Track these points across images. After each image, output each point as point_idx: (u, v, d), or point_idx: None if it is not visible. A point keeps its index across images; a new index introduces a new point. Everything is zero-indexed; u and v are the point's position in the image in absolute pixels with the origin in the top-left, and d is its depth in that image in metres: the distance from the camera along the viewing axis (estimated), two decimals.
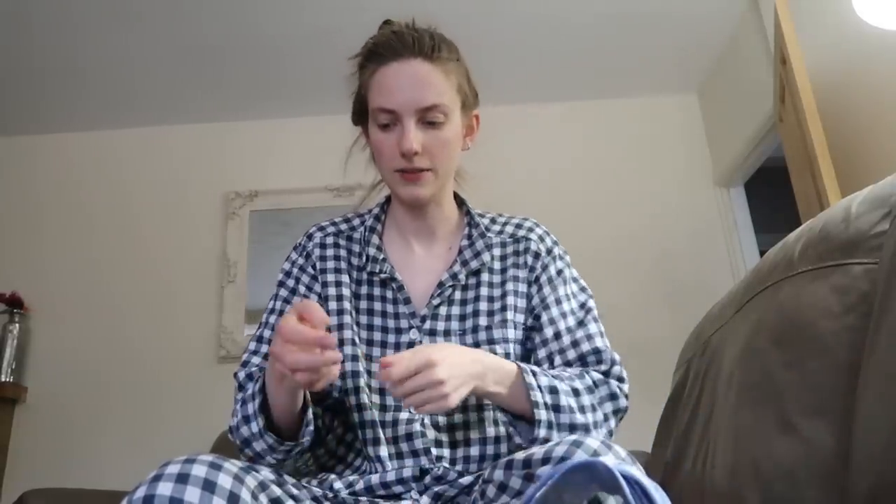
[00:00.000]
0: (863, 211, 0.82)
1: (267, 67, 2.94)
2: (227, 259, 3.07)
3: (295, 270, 1.10)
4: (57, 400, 2.87)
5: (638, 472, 0.60)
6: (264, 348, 1.04)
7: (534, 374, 0.92)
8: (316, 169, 3.12)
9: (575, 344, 1.02)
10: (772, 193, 3.21)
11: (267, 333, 1.06)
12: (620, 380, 1.01)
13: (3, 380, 2.81)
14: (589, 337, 1.02)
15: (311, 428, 0.91)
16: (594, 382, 0.97)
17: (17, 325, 2.89)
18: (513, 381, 0.91)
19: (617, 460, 0.72)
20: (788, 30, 2.06)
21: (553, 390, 0.91)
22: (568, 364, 1.01)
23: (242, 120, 3.28)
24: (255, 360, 1.04)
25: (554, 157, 3.21)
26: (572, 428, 0.91)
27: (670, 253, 3.02)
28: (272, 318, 1.07)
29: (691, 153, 3.22)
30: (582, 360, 1.01)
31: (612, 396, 0.97)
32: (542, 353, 1.03)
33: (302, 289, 1.08)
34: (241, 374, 1.02)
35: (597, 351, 1.01)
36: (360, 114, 1.07)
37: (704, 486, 0.99)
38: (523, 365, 0.93)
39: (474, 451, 0.97)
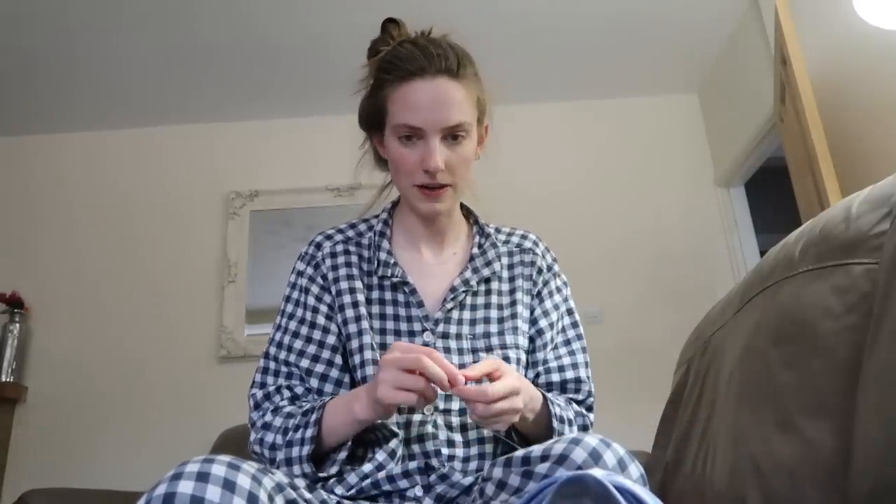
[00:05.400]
0: (863, 211, 0.81)
1: (268, 68, 2.94)
2: (227, 259, 3.07)
3: (303, 281, 1.09)
4: (57, 400, 2.87)
5: (628, 482, 0.61)
6: (273, 365, 1.05)
7: (554, 403, 1.01)
8: (316, 169, 3.12)
9: (561, 369, 1.09)
10: (772, 193, 3.21)
11: (273, 350, 1.06)
12: (590, 409, 1.11)
13: (3, 380, 2.81)
14: (575, 365, 1.10)
15: (343, 456, 0.95)
16: (575, 414, 1.07)
17: (17, 325, 2.90)
18: (539, 410, 0.99)
19: (615, 460, 0.73)
20: (789, 30, 2.06)
21: (562, 420, 1.01)
22: (549, 385, 1.08)
23: (243, 120, 3.28)
24: (270, 379, 1.04)
25: (554, 157, 3.21)
26: None
27: (670, 253, 3.02)
28: (278, 336, 1.07)
29: (692, 153, 3.22)
30: (563, 385, 1.09)
31: (584, 428, 1.07)
32: (529, 372, 1.08)
33: (311, 300, 1.07)
34: (259, 394, 1.03)
35: (578, 381, 1.09)
36: (374, 122, 1.06)
37: (705, 486, 0.98)
38: (548, 395, 1.02)
39: (488, 447, 0.99)
